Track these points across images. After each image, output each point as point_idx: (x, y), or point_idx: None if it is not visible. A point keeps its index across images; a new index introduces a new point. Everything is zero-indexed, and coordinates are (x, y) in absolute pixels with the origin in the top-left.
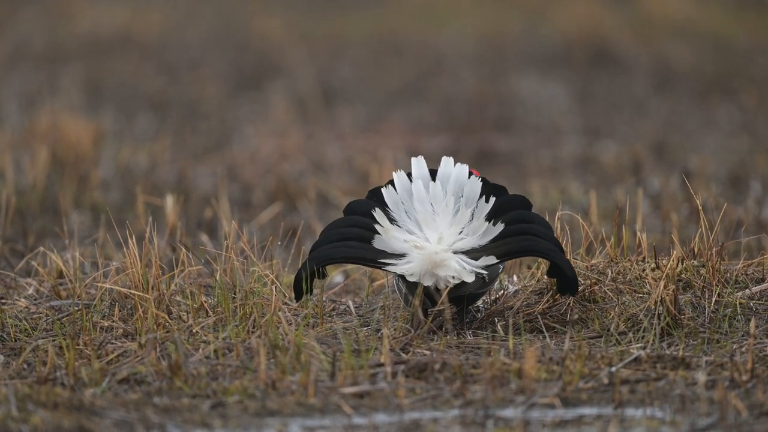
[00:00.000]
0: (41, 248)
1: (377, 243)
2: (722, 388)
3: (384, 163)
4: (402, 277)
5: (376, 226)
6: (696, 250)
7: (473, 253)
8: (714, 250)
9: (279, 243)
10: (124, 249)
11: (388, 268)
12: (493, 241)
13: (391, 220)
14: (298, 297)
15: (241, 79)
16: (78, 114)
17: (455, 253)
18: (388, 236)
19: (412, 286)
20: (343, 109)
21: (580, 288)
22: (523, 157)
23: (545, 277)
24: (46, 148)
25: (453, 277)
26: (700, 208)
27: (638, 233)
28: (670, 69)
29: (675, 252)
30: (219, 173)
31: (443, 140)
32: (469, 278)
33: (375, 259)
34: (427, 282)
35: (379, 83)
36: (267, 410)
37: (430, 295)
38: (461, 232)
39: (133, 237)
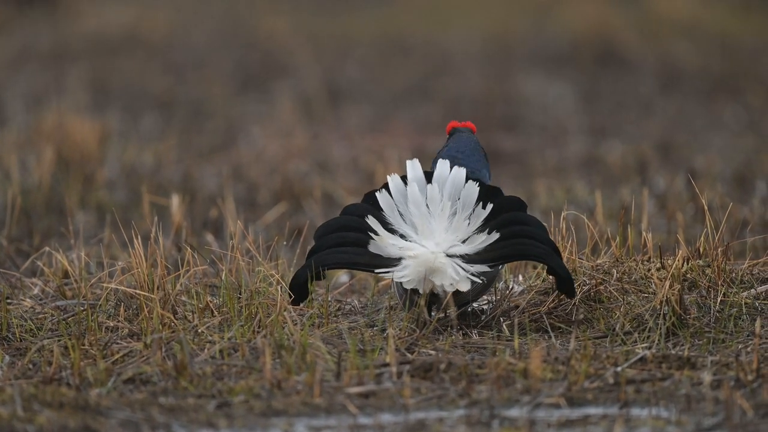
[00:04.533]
0: (47, 248)
1: (373, 247)
2: (728, 387)
3: (390, 163)
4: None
5: (371, 233)
6: (701, 249)
7: (469, 258)
8: (719, 249)
9: (284, 243)
10: (130, 249)
11: (384, 275)
12: (489, 245)
13: (387, 224)
14: (297, 302)
15: (247, 78)
16: (84, 114)
17: (451, 257)
18: (383, 243)
19: (408, 289)
20: (350, 109)
21: (586, 288)
22: (529, 157)
23: (549, 276)
24: (51, 147)
25: (450, 285)
26: (706, 207)
27: (644, 233)
28: (676, 69)
29: (680, 252)
30: (224, 173)
31: None
32: (465, 286)
33: (370, 263)
34: (424, 288)
35: (386, 83)
36: (272, 410)
37: (413, 299)
38: (457, 237)
39: (139, 237)
